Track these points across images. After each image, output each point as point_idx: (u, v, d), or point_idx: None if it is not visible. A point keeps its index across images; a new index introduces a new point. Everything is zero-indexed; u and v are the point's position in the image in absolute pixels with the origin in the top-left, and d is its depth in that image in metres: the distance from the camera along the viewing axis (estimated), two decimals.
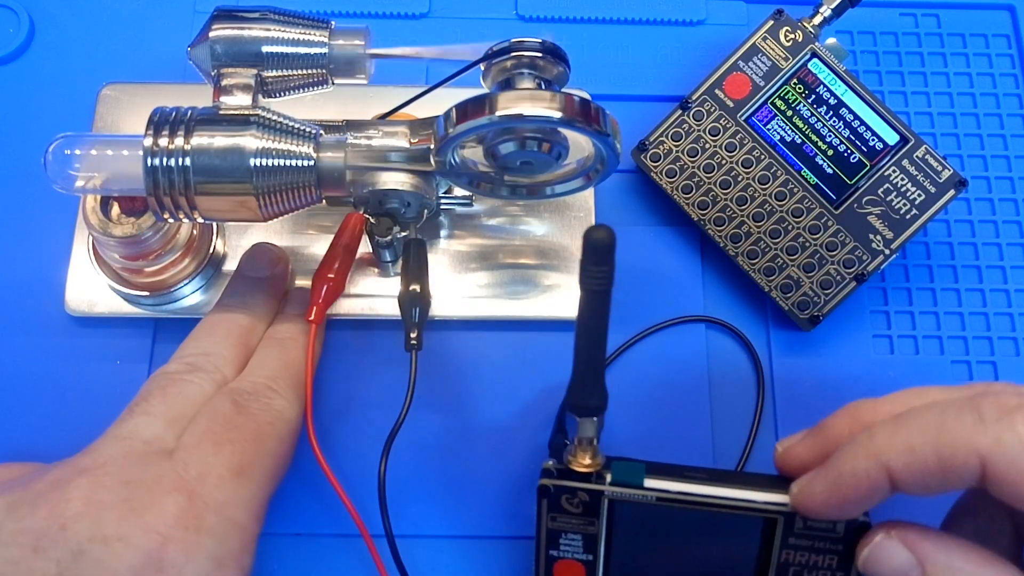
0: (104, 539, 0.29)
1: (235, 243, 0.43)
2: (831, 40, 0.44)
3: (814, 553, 0.32)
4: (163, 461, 0.31)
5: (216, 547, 0.30)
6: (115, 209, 0.38)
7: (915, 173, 0.42)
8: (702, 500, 0.32)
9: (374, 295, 0.42)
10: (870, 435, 0.28)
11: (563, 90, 0.33)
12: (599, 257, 0.27)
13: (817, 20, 0.44)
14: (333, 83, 0.37)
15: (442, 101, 0.35)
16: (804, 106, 0.43)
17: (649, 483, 0.32)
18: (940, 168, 0.42)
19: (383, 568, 0.37)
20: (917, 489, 0.27)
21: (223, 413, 0.33)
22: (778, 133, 0.43)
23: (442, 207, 0.42)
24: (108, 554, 0.29)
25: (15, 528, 0.29)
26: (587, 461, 0.32)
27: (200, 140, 0.34)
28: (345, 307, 0.42)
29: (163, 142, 0.34)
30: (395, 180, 0.36)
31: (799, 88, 0.43)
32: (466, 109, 0.33)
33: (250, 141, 0.34)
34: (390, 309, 0.42)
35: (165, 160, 0.34)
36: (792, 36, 0.44)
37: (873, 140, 0.43)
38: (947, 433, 0.27)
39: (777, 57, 0.44)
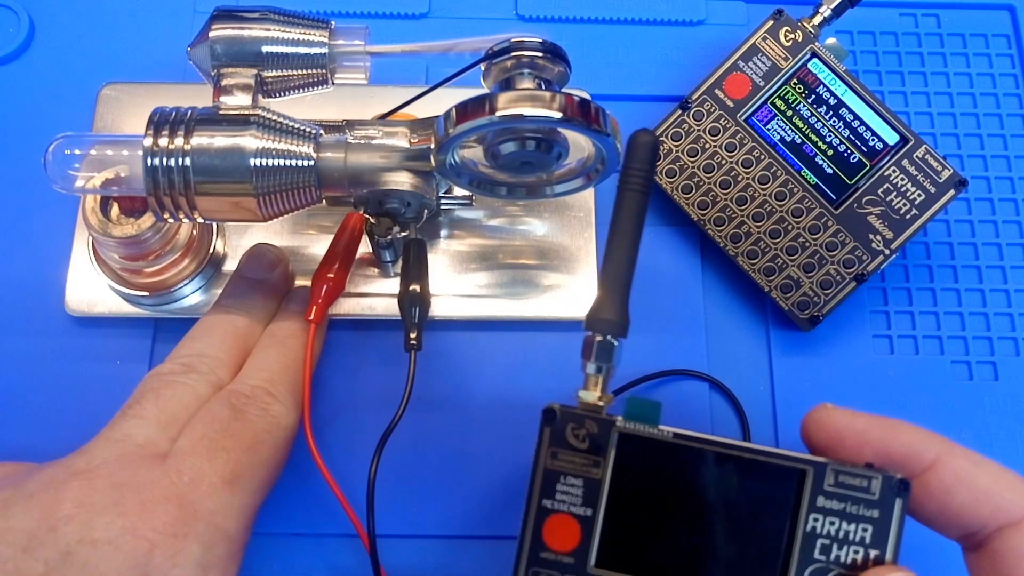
0: (93, 542, 0.29)
1: (235, 243, 0.43)
2: (831, 40, 0.44)
3: (845, 520, 0.29)
4: (156, 466, 0.32)
5: (203, 554, 0.30)
6: (115, 209, 0.38)
7: (915, 173, 0.42)
8: (723, 444, 0.29)
9: (374, 295, 0.42)
10: (943, 436, 0.29)
11: (563, 90, 0.33)
12: (640, 156, 0.29)
13: (817, 20, 0.44)
14: (333, 83, 0.37)
15: (442, 101, 0.35)
16: (804, 106, 0.43)
17: (665, 427, 0.29)
18: (940, 168, 0.42)
19: (381, 569, 0.37)
20: (939, 500, 0.28)
21: (220, 419, 0.33)
22: (778, 133, 0.43)
23: (442, 207, 0.42)
24: (96, 557, 0.29)
25: (5, 527, 0.29)
26: (597, 394, 0.30)
27: (200, 140, 0.34)
28: (345, 307, 0.42)
29: (163, 142, 0.34)
30: (395, 180, 0.36)
31: (799, 88, 0.43)
32: (466, 109, 0.33)
33: (250, 141, 0.34)
34: (390, 309, 0.42)
35: (165, 160, 0.34)
36: (792, 36, 0.44)
37: (873, 140, 0.43)
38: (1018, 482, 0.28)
39: (777, 57, 0.44)
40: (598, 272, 0.29)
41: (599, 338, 0.29)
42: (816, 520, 0.29)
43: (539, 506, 0.29)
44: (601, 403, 0.29)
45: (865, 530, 0.29)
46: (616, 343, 0.30)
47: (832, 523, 0.29)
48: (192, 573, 0.30)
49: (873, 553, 0.28)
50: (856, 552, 0.29)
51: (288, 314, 0.39)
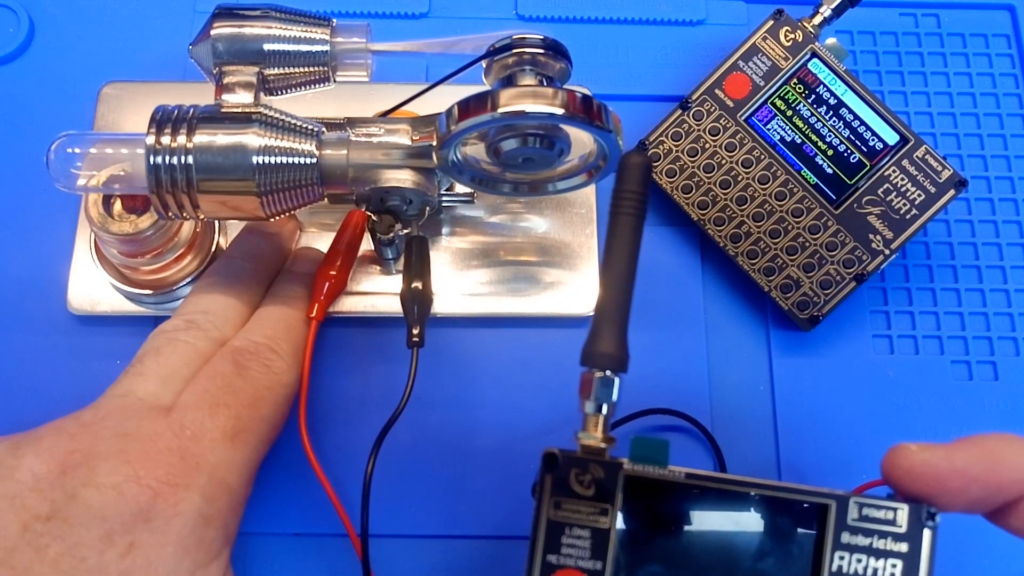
0: (97, 486, 0.30)
1: None
2: (831, 40, 0.44)
3: (873, 556, 0.27)
4: (159, 418, 0.32)
5: (204, 505, 0.31)
6: (117, 205, 0.38)
7: (915, 173, 0.42)
8: (739, 482, 0.27)
9: (376, 293, 0.42)
10: None
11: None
12: (632, 178, 0.28)
13: (817, 20, 0.44)
14: (335, 81, 0.37)
15: (444, 98, 0.35)
16: (804, 106, 0.43)
17: (675, 467, 0.28)
18: (940, 168, 0.42)
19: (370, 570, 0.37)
20: None
21: (222, 374, 0.34)
22: (778, 133, 0.44)
23: (444, 204, 0.42)
24: (100, 500, 0.30)
25: (15, 464, 0.30)
26: (599, 435, 0.27)
27: (202, 138, 0.34)
28: (347, 305, 0.42)
29: (165, 140, 0.34)
30: (397, 177, 0.36)
31: (799, 88, 0.44)
32: (468, 106, 0.33)
33: (252, 139, 0.34)
34: (392, 307, 0.42)
35: (167, 158, 0.34)
36: (792, 36, 0.44)
37: (873, 140, 0.43)
38: None
39: (777, 57, 0.44)
40: (600, 269, 0.28)
41: (598, 374, 0.27)
42: (842, 558, 0.27)
43: (543, 563, 0.27)
44: (604, 445, 0.27)
45: (894, 566, 0.27)
46: (616, 379, 0.27)
47: (859, 560, 0.27)
48: (193, 522, 0.31)
49: None
50: None
51: (292, 274, 0.40)
